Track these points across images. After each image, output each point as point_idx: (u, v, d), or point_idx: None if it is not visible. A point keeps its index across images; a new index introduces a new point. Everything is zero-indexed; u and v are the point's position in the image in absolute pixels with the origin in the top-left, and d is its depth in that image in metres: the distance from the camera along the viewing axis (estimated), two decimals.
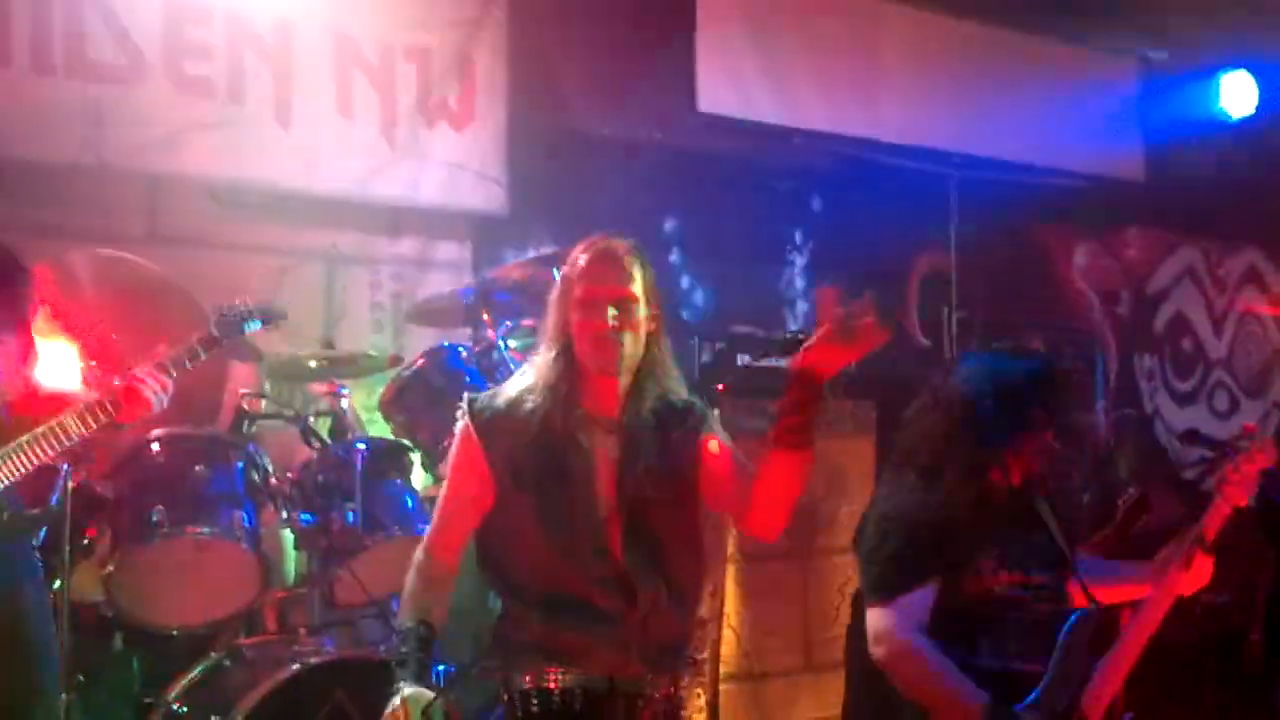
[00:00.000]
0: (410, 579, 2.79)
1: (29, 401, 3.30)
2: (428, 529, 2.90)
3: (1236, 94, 7.16)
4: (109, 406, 3.23)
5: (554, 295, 2.83)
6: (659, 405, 2.79)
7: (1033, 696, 3.02)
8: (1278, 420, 7.91)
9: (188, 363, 3.41)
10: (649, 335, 2.78)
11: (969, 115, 6.63)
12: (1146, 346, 7.62)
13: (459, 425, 2.83)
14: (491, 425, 2.76)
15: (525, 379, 2.82)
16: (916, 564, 3.02)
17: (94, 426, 3.22)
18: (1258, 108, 7.14)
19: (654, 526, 2.75)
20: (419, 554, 2.81)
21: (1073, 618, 3.09)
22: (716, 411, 2.93)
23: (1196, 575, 3.24)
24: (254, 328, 3.61)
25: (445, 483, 2.90)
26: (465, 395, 2.87)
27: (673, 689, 2.81)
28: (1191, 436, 6.87)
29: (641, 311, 2.75)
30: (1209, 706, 5.57)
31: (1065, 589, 3.21)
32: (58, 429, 3.18)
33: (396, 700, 2.59)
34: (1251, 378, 7.95)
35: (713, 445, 2.80)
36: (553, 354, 2.78)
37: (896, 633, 2.99)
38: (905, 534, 3.05)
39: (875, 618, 3.03)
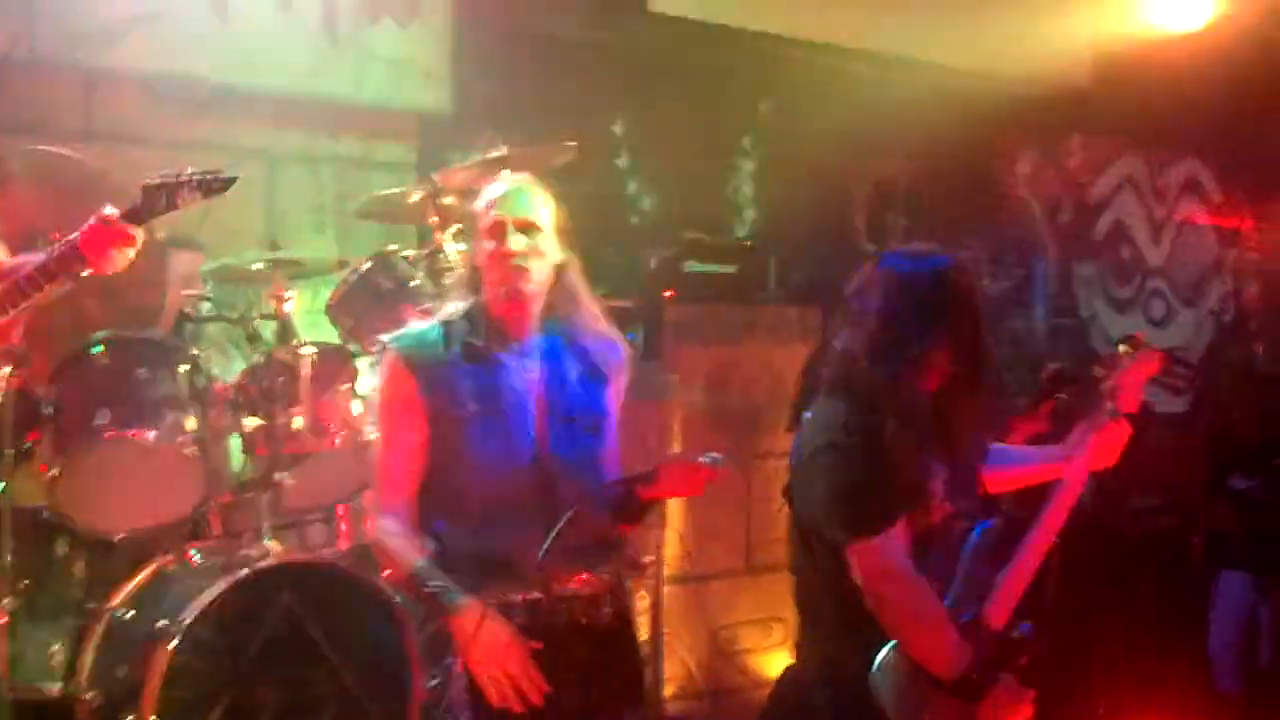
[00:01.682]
0: (384, 542, 2.85)
1: None
2: (376, 496, 2.93)
3: (1183, 4, 7.17)
4: (76, 252, 3.07)
5: (467, 233, 3.05)
6: (572, 334, 2.95)
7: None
8: (1213, 329, 8.07)
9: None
10: (558, 267, 2.91)
11: (918, 20, 6.56)
12: (1086, 254, 7.70)
13: (381, 368, 2.94)
14: (418, 358, 2.87)
15: (438, 314, 2.97)
16: (892, 496, 2.91)
17: (65, 274, 3.08)
18: (1203, 14, 7.16)
19: (580, 437, 2.91)
20: (380, 522, 2.86)
21: (976, 530, 3.05)
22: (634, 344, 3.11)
23: (1108, 445, 3.14)
24: (191, 199, 3.28)
25: (380, 435, 2.98)
26: (380, 340, 3.04)
27: (614, 584, 2.94)
28: (1127, 343, 6.96)
29: (548, 241, 2.89)
30: (1145, 608, 5.74)
31: (978, 507, 3.16)
32: (25, 284, 3.06)
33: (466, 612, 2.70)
34: (1188, 286, 8.08)
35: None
36: (464, 288, 2.97)
37: (898, 568, 2.89)
38: (869, 465, 2.90)
39: (868, 553, 2.88)
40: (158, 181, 3.25)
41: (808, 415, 3.14)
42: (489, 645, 2.71)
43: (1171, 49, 7.13)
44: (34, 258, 3.23)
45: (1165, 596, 5.97)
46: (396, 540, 2.82)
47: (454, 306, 2.96)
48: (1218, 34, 7.13)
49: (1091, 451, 3.14)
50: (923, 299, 2.98)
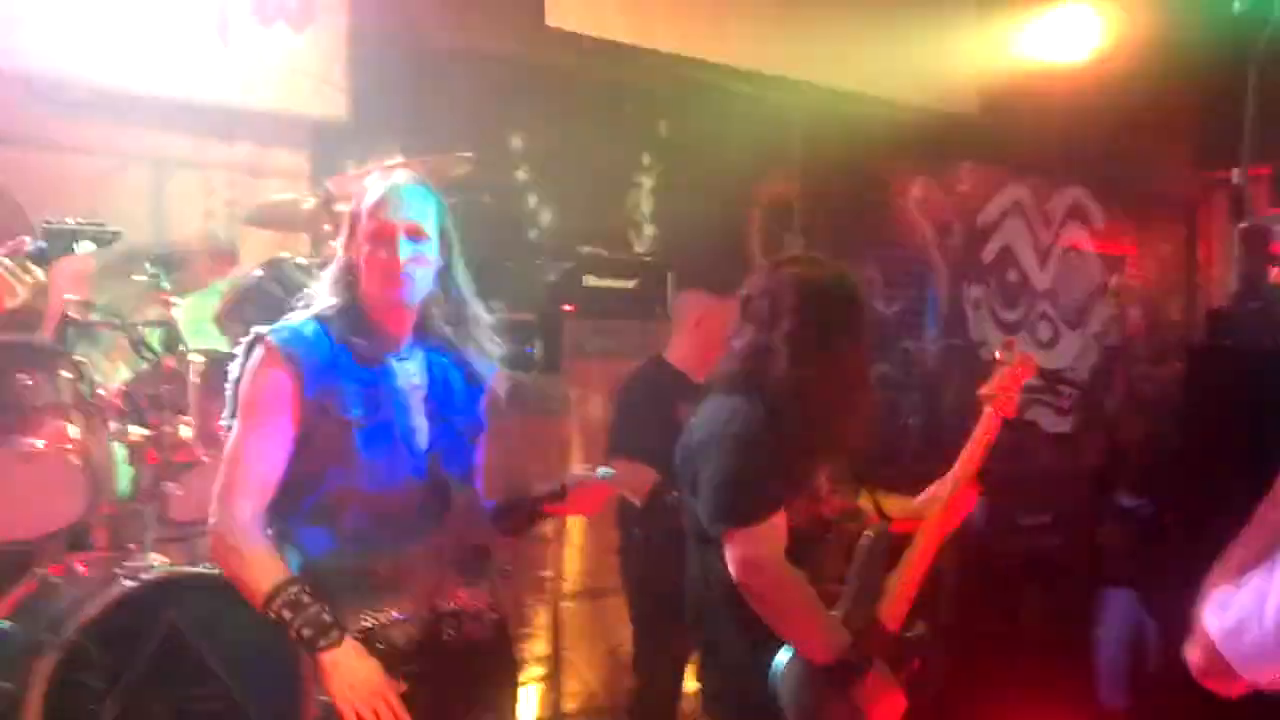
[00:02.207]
0: (241, 551, 2.60)
1: None
2: (225, 494, 2.64)
3: (1068, 34, 7.39)
4: None
5: (343, 225, 2.80)
6: (451, 340, 2.83)
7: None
8: (1097, 352, 8.27)
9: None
10: (441, 273, 2.78)
11: (813, 43, 6.65)
12: (975, 277, 7.85)
13: (252, 360, 2.70)
14: (299, 354, 2.66)
15: (311, 310, 2.77)
16: (774, 487, 2.98)
17: None
18: (1087, 48, 7.38)
19: (460, 445, 2.81)
20: (234, 527, 2.61)
21: (867, 534, 3.11)
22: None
23: (957, 508, 3.27)
24: (85, 249, 3.33)
25: (241, 430, 2.68)
26: (253, 330, 2.75)
27: (492, 596, 2.84)
28: (1003, 349, 7.10)
29: (434, 247, 2.74)
30: (1033, 624, 5.84)
31: (865, 508, 3.22)
32: None
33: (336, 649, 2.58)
34: (1073, 310, 8.27)
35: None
36: (339, 284, 2.76)
37: (770, 558, 2.94)
38: (758, 456, 2.98)
39: (742, 542, 2.95)
40: (59, 226, 3.28)
41: (696, 414, 3.18)
42: (356, 685, 2.58)
43: (1056, 79, 7.34)
44: None
45: (1052, 613, 6.08)
46: (256, 551, 2.60)
47: (328, 302, 2.76)
48: (1100, 66, 7.36)
49: (943, 516, 3.25)
50: (836, 304, 3.11)
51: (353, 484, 2.66)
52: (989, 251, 7.94)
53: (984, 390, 3.32)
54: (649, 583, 4.51)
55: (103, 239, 3.37)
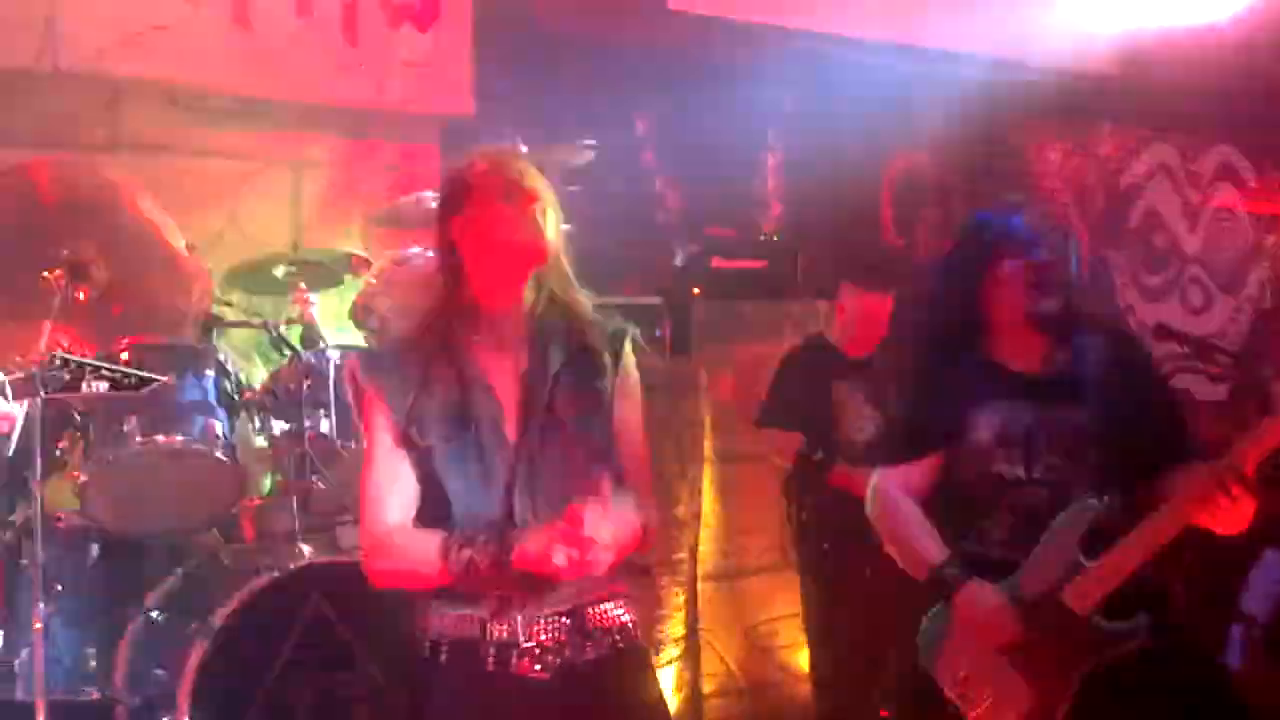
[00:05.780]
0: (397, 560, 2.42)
1: None
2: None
3: None
4: None
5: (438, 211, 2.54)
6: (566, 313, 2.52)
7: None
8: (1250, 316, 7.94)
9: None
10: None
11: (941, 11, 6.51)
12: (1120, 242, 7.60)
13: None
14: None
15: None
16: (914, 434, 3.17)
17: None
18: (1229, 5, 7.07)
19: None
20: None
21: (1070, 508, 2.97)
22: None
23: (1230, 511, 2.84)
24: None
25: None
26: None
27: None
28: (1161, 331, 6.86)
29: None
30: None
31: (1078, 479, 3.01)
32: None
33: None
34: (1225, 273, 7.95)
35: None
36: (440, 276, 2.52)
37: (879, 492, 3.17)
38: (906, 404, 3.28)
39: (873, 479, 3.20)
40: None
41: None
42: None
43: (1199, 35, 7.05)
44: None
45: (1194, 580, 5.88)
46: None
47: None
48: (1247, 20, 7.04)
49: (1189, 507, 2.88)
50: (970, 239, 3.26)
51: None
52: (1134, 215, 7.68)
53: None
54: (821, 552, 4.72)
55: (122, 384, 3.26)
